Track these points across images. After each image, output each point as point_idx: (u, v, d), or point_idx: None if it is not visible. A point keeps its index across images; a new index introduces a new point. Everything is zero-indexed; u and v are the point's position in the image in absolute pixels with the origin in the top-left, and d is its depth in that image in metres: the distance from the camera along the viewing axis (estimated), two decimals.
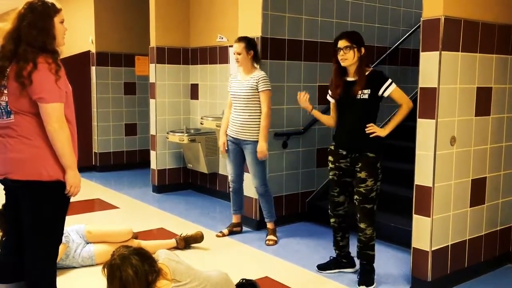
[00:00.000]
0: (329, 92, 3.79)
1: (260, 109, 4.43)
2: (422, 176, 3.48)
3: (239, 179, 4.76)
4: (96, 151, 7.88)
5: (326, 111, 3.96)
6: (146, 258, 2.70)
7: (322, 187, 5.33)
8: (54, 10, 2.63)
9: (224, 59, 5.99)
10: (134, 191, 6.68)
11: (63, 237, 3.30)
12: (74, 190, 2.68)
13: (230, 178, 4.79)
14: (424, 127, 3.45)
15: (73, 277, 3.79)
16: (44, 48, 2.55)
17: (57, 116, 2.55)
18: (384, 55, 5.90)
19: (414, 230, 3.57)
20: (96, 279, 3.25)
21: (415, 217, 3.54)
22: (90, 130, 7.87)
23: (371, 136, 3.55)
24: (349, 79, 3.62)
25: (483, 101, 3.69)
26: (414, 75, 5.08)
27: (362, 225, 3.62)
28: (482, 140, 3.73)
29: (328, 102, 3.88)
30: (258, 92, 4.40)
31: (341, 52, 3.54)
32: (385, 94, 3.54)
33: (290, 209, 5.22)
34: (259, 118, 4.45)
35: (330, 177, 3.77)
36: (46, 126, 2.55)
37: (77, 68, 7.53)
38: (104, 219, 5.38)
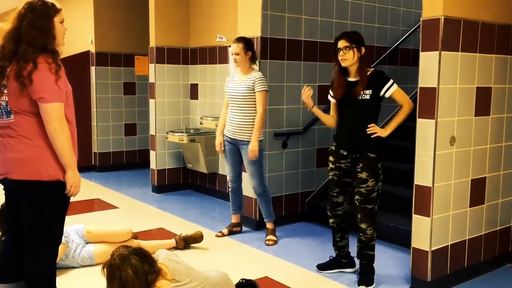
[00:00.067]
0: (330, 92, 3.78)
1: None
2: (421, 176, 3.48)
3: (237, 179, 4.76)
4: (96, 151, 7.88)
5: (325, 111, 3.95)
6: (145, 258, 2.70)
7: (322, 187, 5.33)
8: (54, 10, 2.63)
9: (224, 59, 5.99)
10: (133, 191, 6.68)
11: (62, 237, 3.30)
12: (74, 190, 2.68)
13: (228, 178, 4.79)
14: (423, 127, 3.45)
15: (72, 277, 3.78)
16: (44, 48, 2.55)
17: (57, 115, 2.55)
18: (384, 55, 5.90)
19: (413, 230, 3.57)
20: (95, 279, 3.25)
21: (415, 217, 3.54)
22: (89, 130, 7.87)
23: (372, 136, 3.55)
24: (351, 79, 3.62)
25: (483, 101, 3.69)
26: (413, 75, 5.09)
27: (363, 226, 3.62)
28: (482, 140, 3.73)
29: (328, 102, 3.88)
30: (255, 92, 4.40)
31: (341, 52, 3.54)
32: (387, 95, 3.54)
33: (289, 209, 5.22)
34: None
35: (330, 177, 3.77)
36: (46, 126, 2.55)
37: (77, 68, 7.52)
38: (103, 219, 5.37)
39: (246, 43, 4.46)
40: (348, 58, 3.53)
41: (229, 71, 5.66)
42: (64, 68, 2.61)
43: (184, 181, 6.77)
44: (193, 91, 6.62)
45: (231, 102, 4.55)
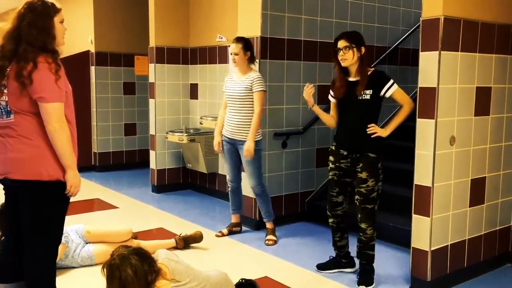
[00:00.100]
0: (331, 92, 3.78)
1: None
2: (421, 176, 3.48)
3: (237, 179, 4.76)
4: (96, 151, 7.87)
5: (325, 111, 3.95)
6: (145, 258, 2.70)
7: (322, 187, 5.33)
8: (54, 10, 2.63)
9: (224, 59, 5.99)
10: (133, 191, 6.68)
11: (62, 237, 3.30)
12: (74, 190, 2.68)
13: (228, 177, 4.79)
14: (423, 127, 3.45)
15: (72, 277, 3.78)
16: (44, 48, 2.55)
17: (57, 115, 2.55)
18: (384, 55, 5.90)
19: (413, 230, 3.57)
20: (95, 279, 3.25)
21: (415, 217, 3.54)
22: (89, 130, 7.87)
23: (372, 136, 3.55)
24: (351, 79, 3.62)
25: (483, 101, 3.69)
26: (413, 75, 5.08)
27: (363, 225, 3.62)
28: (482, 140, 3.73)
29: (328, 101, 3.88)
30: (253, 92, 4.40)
31: (341, 52, 3.54)
32: (387, 95, 3.54)
33: (289, 209, 5.22)
34: None
35: (330, 177, 3.76)
36: (46, 125, 2.55)
37: (77, 68, 7.52)
38: (103, 219, 5.37)
39: (245, 43, 4.46)
40: (348, 58, 3.54)
41: (229, 71, 5.66)
42: (64, 68, 2.61)
43: (184, 181, 6.77)
44: (193, 91, 6.62)
45: (229, 102, 4.55)
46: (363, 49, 3.55)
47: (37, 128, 2.58)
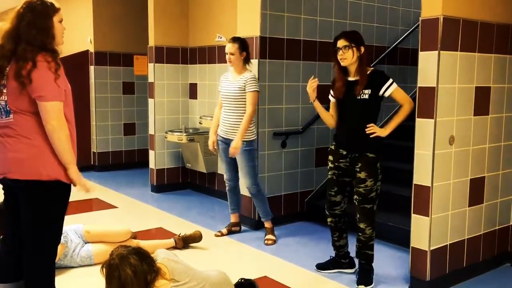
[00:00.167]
0: (331, 91, 3.78)
1: None
2: (420, 175, 3.48)
3: (234, 178, 4.75)
4: (95, 151, 7.87)
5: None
6: (144, 258, 2.70)
7: (321, 187, 5.33)
8: (53, 10, 2.62)
9: (223, 59, 5.96)
10: (132, 191, 6.67)
11: (61, 237, 3.30)
12: (84, 185, 2.72)
13: (225, 176, 4.79)
14: (422, 127, 3.45)
15: (71, 276, 3.78)
16: (43, 47, 2.54)
17: (56, 114, 2.54)
18: (383, 55, 5.90)
19: (412, 229, 3.57)
20: (94, 279, 3.25)
21: (414, 216, 3.54)
22: (88, 129, 7.87)
23: (371, 136, 3.55)
24: (350, 78, 3.62)
25: (482, 101, 3.69)
26: (412, 74, 5.09)
27: (361, 225, 3.62)
28: (481, 140, 3.73)
29: (327, 101, 3.88)
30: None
31: (340, 52, 3.55)
32: (386, 94, 3.54)
33: (289, 209, 5.22)
34: None
35: (329, 176, 3.76)
36: (45, 124, 2.54)
37: (76, 67, 7.51)
38: (102, 219, 5.37)
39: (242, 43, 4.46)
40: (348, 57, 3.54)
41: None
42: (63, 68, 2.60)
43: (183, 181, 6.77)
44: (192, 91, 6.61)
45: (224, 102, 4.56)
46: (362, 49, 3.55)
47: (37, 128, 2.58)
